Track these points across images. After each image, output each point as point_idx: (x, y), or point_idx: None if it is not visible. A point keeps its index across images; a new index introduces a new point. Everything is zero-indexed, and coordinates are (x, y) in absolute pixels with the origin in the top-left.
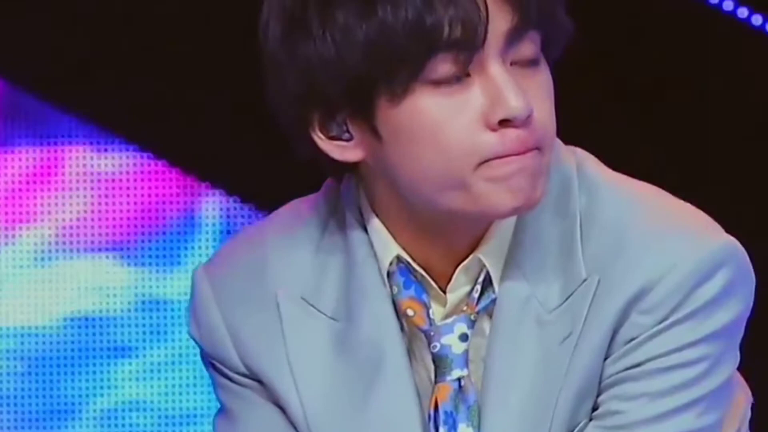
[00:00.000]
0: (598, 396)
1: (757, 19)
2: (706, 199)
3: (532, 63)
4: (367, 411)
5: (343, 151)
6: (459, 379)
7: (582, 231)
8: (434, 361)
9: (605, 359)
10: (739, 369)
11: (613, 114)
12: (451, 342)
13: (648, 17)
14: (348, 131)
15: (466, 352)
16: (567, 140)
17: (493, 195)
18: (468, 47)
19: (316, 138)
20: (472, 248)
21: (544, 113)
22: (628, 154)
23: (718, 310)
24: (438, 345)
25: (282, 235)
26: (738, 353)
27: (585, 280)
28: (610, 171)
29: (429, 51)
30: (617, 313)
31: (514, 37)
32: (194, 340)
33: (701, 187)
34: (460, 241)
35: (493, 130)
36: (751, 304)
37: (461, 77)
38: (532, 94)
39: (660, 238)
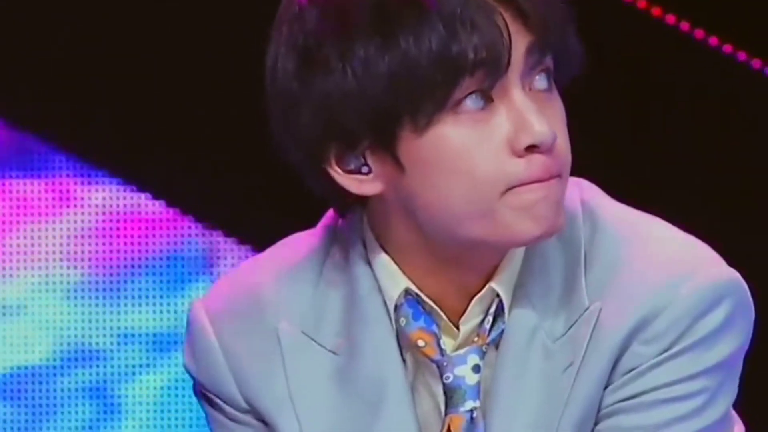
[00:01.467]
0: (596, 425)
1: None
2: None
3: (546, 90)
4: None
5: (360, 184)
6: (471, 411)
7: (586, 260)
8: (446, 393)
9: (605, 388)
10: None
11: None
12: (464, 373)
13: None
14: (366, 164)
15: (479, 383)
16: None
17: (518, 223)
18: (493, 72)
19: (332, 173)
20: (485, 279)
21: (563, 140)
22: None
23: (719, 342)
24: (451, 376)
25: (281, 270)
26: (736, 387)
27: (587, 308)
28: (614, 201)
29: (454, 79)
30: (619, 342)
31: (534, 58)
32: (190, 374)
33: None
34: (473, 273)
35: (519, 156)
36: (750, 337)
37: (485, 104)
38: (552, 119)
39: (663, 269)
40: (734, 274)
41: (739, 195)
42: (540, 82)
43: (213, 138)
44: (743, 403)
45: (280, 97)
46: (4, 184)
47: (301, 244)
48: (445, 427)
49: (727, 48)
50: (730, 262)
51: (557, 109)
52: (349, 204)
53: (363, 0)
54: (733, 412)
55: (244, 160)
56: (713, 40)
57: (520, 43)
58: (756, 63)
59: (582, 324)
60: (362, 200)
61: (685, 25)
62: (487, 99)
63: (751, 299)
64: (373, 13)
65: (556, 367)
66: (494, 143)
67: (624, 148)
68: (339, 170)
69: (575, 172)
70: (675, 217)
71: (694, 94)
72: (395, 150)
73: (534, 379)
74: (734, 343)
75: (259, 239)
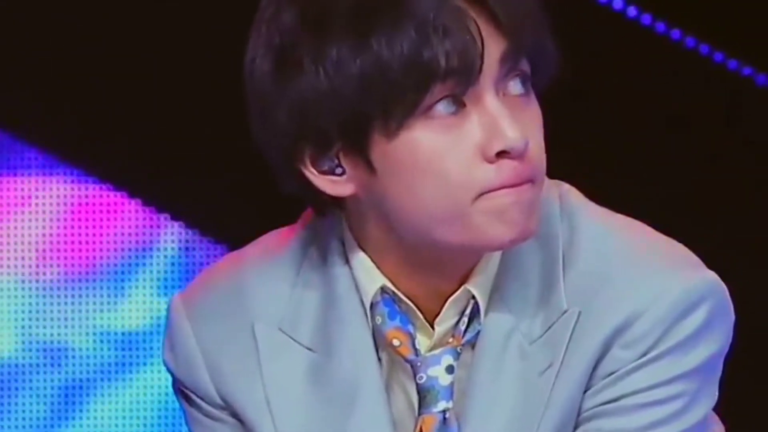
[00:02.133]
0: (575, 428)
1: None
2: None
3: (523, 94)
4: None
5: (334, 185)
6: (444, 411)
7: (564, 263)
8: (419, 392)
9: (585, 392)
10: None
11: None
12: (437, 374)
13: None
14: (341, 165)
15: (452, 384)
16: None
17: (490, 228)
18: (465, 79)
19: (307, 173)
20: (460, 281)
21: (537, 145)
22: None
23: (698, 346)
24: (424, 376)
25: (259, 267)
26: (716, 391)
27: (565, 311)
28: (593, 205)
29: (425, 85)
30: (599, 345)
31: (507, 64)
32: (168, 370)
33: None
34: (448, 275)
35: (490, 162)
36: (730, 341)
37: (457, 109)
38: (526, 124)
39: (641, 273)
40: (713, 278)
41: (724, 199)
42: (515, 86)
43: (191, 136)
44: (723, 406)
45: (256, 97)
46: None
47: (280, 241)
48: (418, 428)
49: (704, 48)
50: (713, 266)
51: (532, 113)
52: (326, 204)
53: (339, 1)
54: (714, 414)
55: (221, 157)
56: (690, 41)
57: (493, 49)
58: (732, 63)
59: (561, 326)
60: (338, 200)
61: (660, 26)
62: (460, 104)
63: (730, 302)
64: (347, 14)
65: (533, 369)
66: (466, 148)
67: (606, 151)
68: (313, 171)
69: (557, 175)
70: (658, 220)
71: (673, 96)
72: (367, 153)
73: (510, 380)
74: (713, 346)
75: (235, 238)
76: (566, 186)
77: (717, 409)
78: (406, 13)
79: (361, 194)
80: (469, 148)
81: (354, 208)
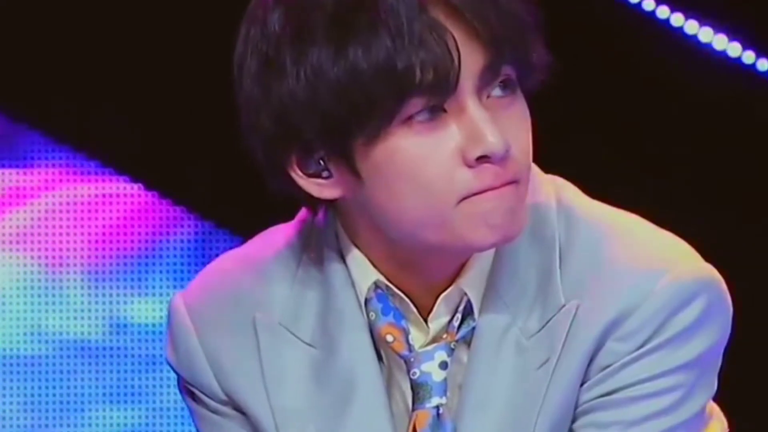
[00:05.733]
0: (573, 422)
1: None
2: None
3: (507, 95)
4: None
5: (321, 188)
6: (437, 407)
7: (561, 258)
8: (413, 388)
9: (581, 385)
10: (716, 399)
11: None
12: (431, 369)
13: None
14: (327, 169)
15: (446, 380)
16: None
17: (473, 231)
18: (440, 91)
19: (294, 175)
20: (453, 278)
21: (521, 146)
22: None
23: (693, 339)
24: (418, 372)
25: (259, 264)
26: (714, 383)
27: (563, 306)
28: (589, 199)
29: (401, 95)
30: (594, 339)
31: (487, 75)
32: (171, 367)
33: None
34: (440, 273)
35: (470, 166)
36: (728, 334)
37: (437, 116)
38: (508, 127)
39: (637, 267)
40: (710, 271)
41: (726, 191)
42: (498, 90)
43: (208, 128)
44: (726, 399)
45: (244, 99)
46: None
47: (279, 237)
48: (412, 423)
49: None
50: (717, 259)
51: (516, 114)
52: (318, 202)
53: (322, 7)
54: (716, 407)
55: (238, 150)
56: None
57: (472, 60)
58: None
59: (558, 321)
60: (329, 201)
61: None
62: (440, 110)
63: (727, 296)
64: (328, 21)
65: (530, 363)
66: (446, 154)
67: (604, 144)
68: (300, 174)
69: (553, 170)
70: (659, 213)
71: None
72: (351, 158)
73: (506, 374)
74: (709, 339)
75: (252, 230)
76: (561, 181)
77: (722, 405)
78: (383, 22)
79: (348, 197)
80: (450, 153)
81: (344, 208)
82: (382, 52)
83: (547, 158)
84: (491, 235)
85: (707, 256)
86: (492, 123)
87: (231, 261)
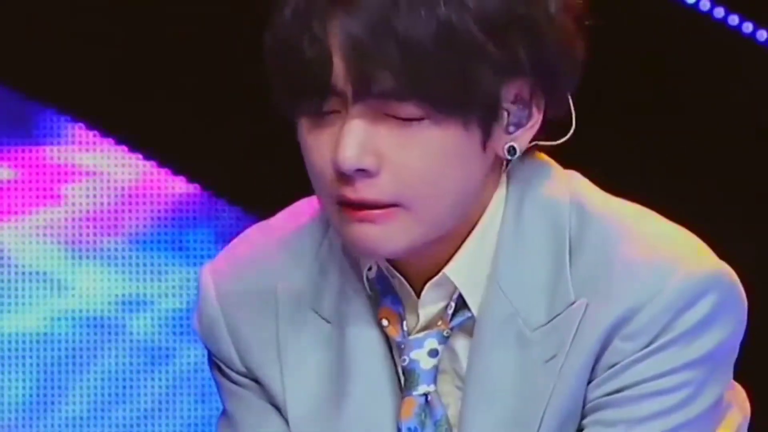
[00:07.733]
0: (581, 420)
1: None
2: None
3: (412, 120)
4: (341, 417)
5: None
6: (425, 395)
7: (571, 254)
8: (404, 374)
9: (588, 383)
10: (740, 380)
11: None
12: (419, 357)
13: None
14: None
15: (435, 368)
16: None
17: (344, 237)
18: (314, 102)
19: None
20: (442, 266)
21: (411, 170)
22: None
23: (701, 336)
24: (407, 359)
25: (285, 235)
26: (729, 377)
27: (573, 302)
28: (604, 195)
29: (293, 93)
30: (600, 337)
31: (385, 98)
32: (199, 338)
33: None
34: (428, 258)
35: (340, 175)
36: (743, 328)
37: (328, 114)
38: (396, 150)
39: (646, 265)
40: (721, 267)
41: (741, 187)
42: (403, 111)
43: (233, 112)
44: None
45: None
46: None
47: (307, 210)
48: (402, 409)
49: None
50: (732, 256)
51: (420, 140)
52: None
53: None
54: (739, 392)
55: (268, 135)
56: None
57: (374, 80)
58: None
59: (567, 317)
60: None
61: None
62: (330, 111)
63: (740, 292)
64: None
65: (535, 357)
66: (326, 154)
67: (620, 140)
68: None
69: (573, 165)
70: (677, 208)
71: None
72: (300, 132)
73: (509, 366)
74: (719, 336)
75: (265, 208)
76: (577, 175)
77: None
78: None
79: None
80: (327, 155)
81: None
82: (289, 42)
83: (566, 154)
84: (355, 249)
85: (731, 254)
86: (355, 139)
87: (257, 232)
